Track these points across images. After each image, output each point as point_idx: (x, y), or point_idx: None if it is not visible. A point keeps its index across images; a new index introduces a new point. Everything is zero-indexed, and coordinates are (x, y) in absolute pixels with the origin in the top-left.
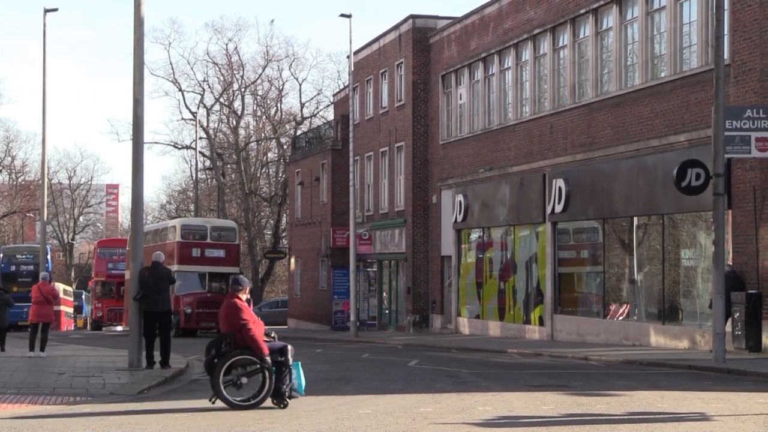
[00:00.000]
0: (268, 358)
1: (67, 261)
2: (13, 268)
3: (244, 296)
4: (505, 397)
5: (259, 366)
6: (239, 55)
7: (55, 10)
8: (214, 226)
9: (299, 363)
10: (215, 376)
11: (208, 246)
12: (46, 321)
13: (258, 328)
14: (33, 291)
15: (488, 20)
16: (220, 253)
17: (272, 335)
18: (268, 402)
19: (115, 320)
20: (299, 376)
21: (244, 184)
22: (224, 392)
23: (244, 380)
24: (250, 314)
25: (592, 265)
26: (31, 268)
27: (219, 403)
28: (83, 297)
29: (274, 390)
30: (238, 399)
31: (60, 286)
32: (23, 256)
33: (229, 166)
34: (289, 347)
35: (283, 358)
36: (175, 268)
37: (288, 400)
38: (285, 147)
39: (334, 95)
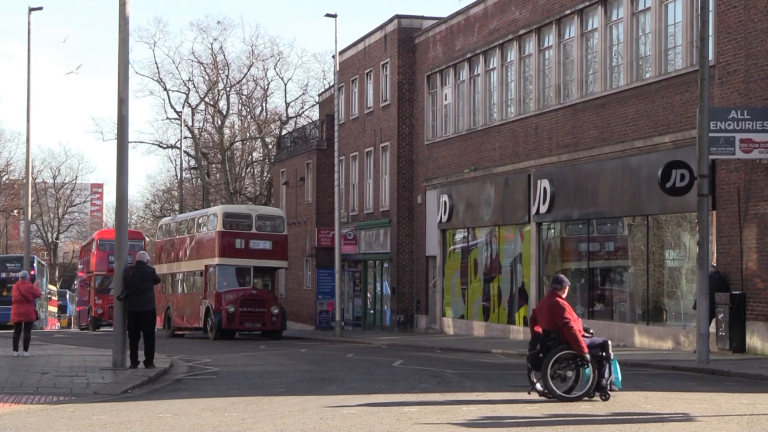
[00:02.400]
0: (587, 354)
1: (52, 260)
2: (3, 274)
3: (564, 294)
4: (489, 398)
5: (581, 360)
6: (224, 55)
7: (40, 8)
8: (260, 214)
9: (616, 359)
10: (544, 368)
11: (253, 237)
12: (27, 320)
13: (577, 325)
14: (13, 290)
15: (473, 21)
16: (267, 244)
17: (590, 331)
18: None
19: None
20: (616, 371)
21: (229, 184)
22: (552, 384)
23: (569, 374)
24: (571, 313)
25: (577, 265)
26: (20, 274)
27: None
28: (67, 296)
29: (596, 384)
30: (562, 391)
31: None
32: (13, 265)
33: (214, 165)
34: (609, 342)
35: (604, 353)
36: (215, 261)
37: (609, 393)
38: (270, 147)
39: (319, 95)
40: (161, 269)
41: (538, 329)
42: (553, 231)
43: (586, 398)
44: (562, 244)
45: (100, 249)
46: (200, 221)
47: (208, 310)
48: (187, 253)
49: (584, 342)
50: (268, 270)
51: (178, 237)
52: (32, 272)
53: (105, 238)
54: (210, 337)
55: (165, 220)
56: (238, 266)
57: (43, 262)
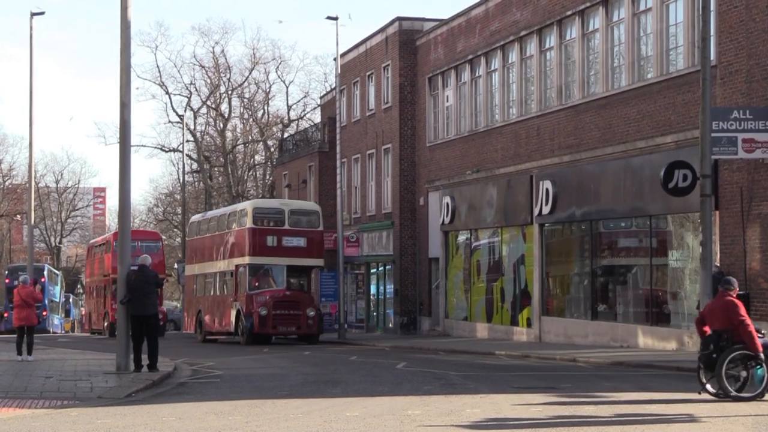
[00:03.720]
0: (761, 354)
1: (55, 264)
2: (16, 282)
3: (735, 295)
4: (493, 399)
5: (754, 361)
6: (226, 58)
7: (42, 13)
8: (293, 209)
9: None
10: (718, 368)
11: (286, 233)
12: (29, 324)
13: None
14: (14, 295)
15: (475, 22)
16: (301, 241)
17: (762, 332)
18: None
19: None
20: None
21: (231, 187)
22: (726, 384)
23: (743, 374)
24: (745, 311)
25: (580, 266)
26: (21, 279)
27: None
28: (71, 300)
29: None
30: (735, 391)
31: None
32: (26, 273)
33: (216, 168)
34: None
35: None
36: (246, 260)
37: None
38: (272, 149)
39: (320, 98)
40: (192, 270)
41: (707, 330)
42: (555, 232)
43: (758, 398)
44: (565, 245)
45: (116, 250)
46: (230, 217)
47: (238, 314)
48: (217, 253)
49: (759, 341)
50: (303, 269)
51: (208, 235)
52: (42, 279)
53: None
54: (241, 342)
55: (195, 217)
56: (270, 265)
57: (57, 272)
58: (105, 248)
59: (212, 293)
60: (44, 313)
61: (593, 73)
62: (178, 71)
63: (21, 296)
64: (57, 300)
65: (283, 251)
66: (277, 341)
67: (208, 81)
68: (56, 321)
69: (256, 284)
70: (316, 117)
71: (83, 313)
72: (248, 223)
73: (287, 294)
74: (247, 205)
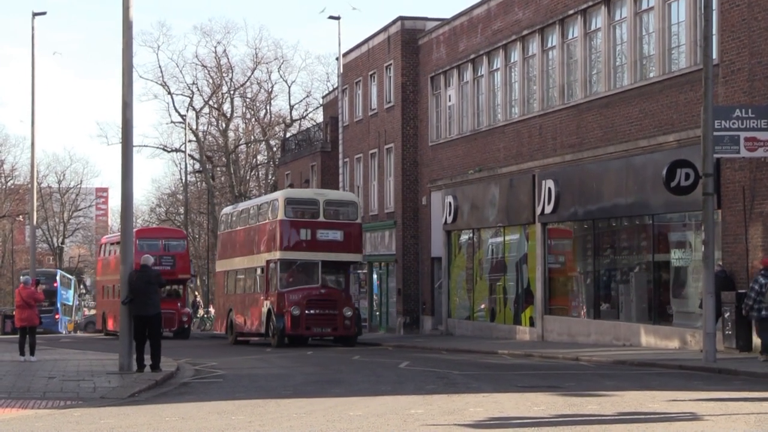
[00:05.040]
0: None
1: (57, 265)
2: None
3: None
4: (496, 399)
5: None
6: (228, 58)
7: (44, 13)
8: (329, 199)
9: None
10: None
11: (321, 226)
12: (31, 325)
13: None
14: (16, 296)
15: (477, 21)
16: (337, 235)
17: None
18: None
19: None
20: None
21: (234, 187)
22: None
23: None
24: None
25: (583, 265)
26: (44, 287)
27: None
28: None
29: None
30: None
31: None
32: (41, 278)
33: (218, 168)
34: None
35: None
36: (277, 255)
37: None
38: (274, 149)
39: (323, 97)
40: (223, 265)
41: None
42: (558, 231)
43: None
44: (567, 244)
45: (139, 249)
46: (261, 209)
47: (269, 313)
48: (248, 247)
49: None
50: (340, 265)
51: (238, 228)
52: (55, 284)
53: (144, 236)
54: (272, 344)
55: (227, 209)
56: (304, 261)
57: (70, 276)
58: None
59: (243, 291)
60: (56, 316)
61: (595, 72)
62: (180, 71)
63: (22, 297)
64: (70, 303)
65: (318, 245)
66: (313, 342)
67: (211, 81)
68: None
69: (289, 281)
70: (319, 117)
71: (85, 314)
72: (279, 214)
73: (322, 292)
74: (278, 195)
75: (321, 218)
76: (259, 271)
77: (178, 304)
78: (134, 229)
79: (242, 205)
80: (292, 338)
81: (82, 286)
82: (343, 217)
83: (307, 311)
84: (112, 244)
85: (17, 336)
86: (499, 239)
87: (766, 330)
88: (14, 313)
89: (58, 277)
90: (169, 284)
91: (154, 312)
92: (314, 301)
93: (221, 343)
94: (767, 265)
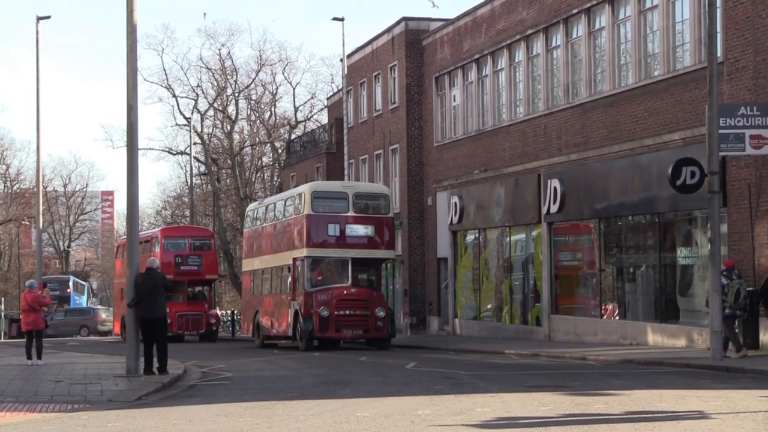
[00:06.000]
0: None
1: (64, 268)
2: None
3: None
4: (503, 398)
5: None
6: (232, 60)
7: (48, 17)
8: (358, 192)
9: None
10: None
11: (350, 220)
12: (35, 329)
13: None
14: (21, 300)
15: (481, 21)
16: (368, 230)
17: None
18: None
19: (187, 329)
20: None
21: (239, 189)
22: None
23: None
24: None
25: (589, 264)
26: (57, 293)
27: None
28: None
29: None
30: None
31: None
32: (52, 285)
33: (224, 171)
34: None
35: None
36: (304, 252)
37: None
38: (279, 151)
39: (327, 99)
40: (249, 265)
41: None
42: (563, 230)
43: None
44: (573, 244)
45: (166, 249)
46: (287, 204)
47: (296, 315)
48: (274, 245)
49: None
50: (371, 262)
51: (265, 225)
52: (68, 290)
53: (170, 236)
54: (300, 347)
55: (252, 205)
56: (332, 258)
57: (84, 282)
58: (151, 246)
59: (270, 291)
60: None
61: (600, 71)
62: (185, 74)
63: (27, 301)
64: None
65: (347, 241)
66: (344, 346)
67: (215, 83)
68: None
69: (317, 280)
70: (323, 118)
71: (97, 319)
72: (306, 209)
73: (353, 291)
74: (304, 189)
75: (350, 212)
76: (285, 270)
77: (206, 306)
78: (159, 228)
79: (268, 201)
80: (321, 341)
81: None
82: (374, 210)
83: (336, 312)
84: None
85: (24, 340)
86: (506, 239)
87: (730, 327)
88: (20, 317)
89: (71, 283)
90: (197, 285)
91: (161, 314)
92: (344, 301)
93: (248, 346)
94: (729, 266)
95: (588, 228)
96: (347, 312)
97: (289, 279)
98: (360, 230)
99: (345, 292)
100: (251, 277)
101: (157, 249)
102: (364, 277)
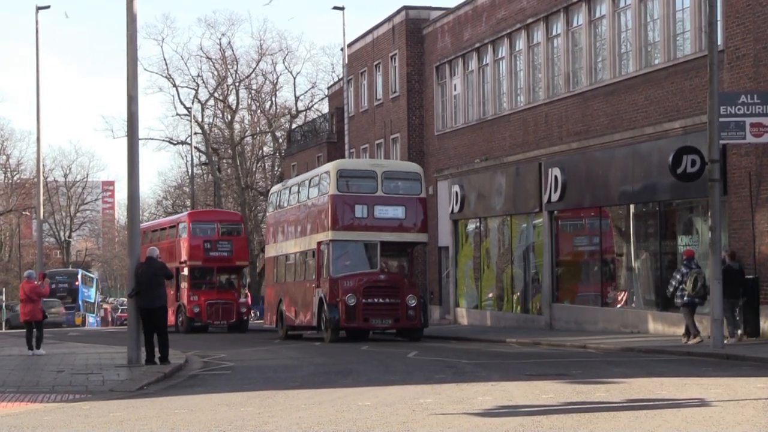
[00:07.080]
0: None
1: (65, 259)
2: (53, 285)
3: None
4: (504, 387)
5: None
6: (233, 50)
7: (47, 7)
8: (388, 170)
9: None
10: None
11: (379, 201)
12: (33, 319)
13: None
14: (20, 290)
15: (481, 10)
16: (398, 211)
17: None
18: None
19: (217, 318)
20: None
21: (240, 179)
22: None
23: None
24: None
25: (590, 253)
26: (66, 285)
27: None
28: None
29: None
30: None
31: None
32: (61, 277)
33: (224, 160)
34: None
35: None
36: (329, 236)
37: None
38: (280, 141)
39: (328, 88)
40: (272, 250)
41: None
42: (564, 219)
43: None
44: (574, 232)
45: (195, 234)
46: (311, 184)
47: (321, 303)
48: (298, 228)
49: None
50: (402, 246)
51: (288, 207)
52: (76, 282)
53: (199, 220)
54: (325, 338)
55: (276, 187)
56: (360, 242)
57: (92, 275)
58: (177, 231)
59: (293, 279)
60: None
61: (600, 59)
62: (185, 63)
63: (25, 291)
64: (92, 300)
65: (376, 224)
66: (373, 337)
67: (216, 73)
68: (91, 320)
69: (344, 266)
70: (324, 107)
71: (108, 310)
72: (331, 189)
73: (382, 278)
74: (330, 167)
75: (379, 192)
76: (310, 255)
77: (235, 294)
78: (187, 212)
79: (291, 182)
80: (348, 332)
81: None
82: (405, 190)
83: (364, 300)
84: (153, 231)
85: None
86: (507, 228)
87: (689, 315)
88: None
89: (79, 276)
90: (226, 273)
91: (161, 304)
92: (373, 288)
93: (272, 336)
94: (690, 255)
95: (605, 213)
96: (376, 300)
97: (314, 265)
98: (390, 212)
99: (373, 278)
100: (274, 264)
101: (185, 234)
102: (395, 262)
